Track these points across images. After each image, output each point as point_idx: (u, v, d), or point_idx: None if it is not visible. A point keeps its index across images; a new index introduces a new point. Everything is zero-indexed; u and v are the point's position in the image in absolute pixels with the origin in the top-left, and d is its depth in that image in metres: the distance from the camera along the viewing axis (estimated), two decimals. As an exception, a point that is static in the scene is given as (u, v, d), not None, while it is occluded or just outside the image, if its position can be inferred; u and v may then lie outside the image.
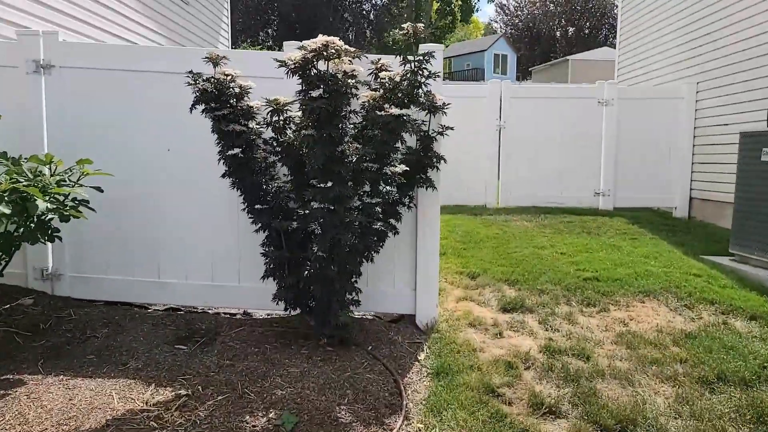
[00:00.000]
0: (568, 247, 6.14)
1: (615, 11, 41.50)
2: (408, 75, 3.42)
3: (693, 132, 8.80)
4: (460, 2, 36.19)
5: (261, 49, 30.95)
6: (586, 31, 42.87)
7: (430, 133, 3.77)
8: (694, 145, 8.80)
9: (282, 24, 31.26)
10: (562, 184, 8.95)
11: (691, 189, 8.86)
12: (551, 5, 43.70)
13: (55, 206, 3.41)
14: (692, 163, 8.85)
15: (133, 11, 7.86)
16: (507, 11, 47.69)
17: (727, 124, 7.98)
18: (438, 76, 3.52)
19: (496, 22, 51.20)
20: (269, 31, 32.28)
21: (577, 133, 8.90)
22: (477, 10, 37.72)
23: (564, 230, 7.10)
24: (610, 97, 8.79)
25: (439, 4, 35.85)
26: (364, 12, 33.28)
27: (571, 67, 33.47)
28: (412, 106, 3.46)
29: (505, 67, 41.05)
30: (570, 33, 42.96)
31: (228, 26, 11.95)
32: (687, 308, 4.43)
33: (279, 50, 4.04)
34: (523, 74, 42.08)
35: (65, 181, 3.50)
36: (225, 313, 4.35)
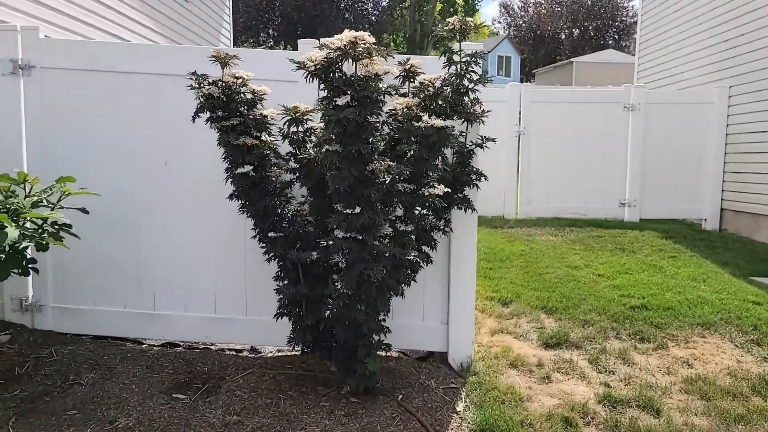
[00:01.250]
0: (604, 267, 5.61)
1: (624, 13, 41.07)
2: (452, 79, 2.88)
3: (725, 139, 8.27)
4: (463, 2, 35.59)
5: (264, 49, 30.43)
6: (592, 33, 42.36)
7: (468, 146, 3.25)
8: (726, 153, 8.27)
9: (283, 24, 30.72)
10: (585, 193, 8.42)
11: (722, 200, 8.33)
12: (557, 6, 43.18)
13: (30, 233, 2.88)
14: (723, 172, 8.31)
15: (132, 9, 7.33)
16: (511, 12, 47.15)
17: (764, 131, 7.46)
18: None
19: (500, 22, 50.61)
20: (270, 31, 31.71)
21: (600, 139, 8.38)
22: (477, 9, 37.01)
23: (595, 246, 6.57)
24: (637, 101, 8.27)
25: (442, 5, 35.29)
26: (366, 12, 32.70)
27: (576, 70, 32.96)
28: (454, 117, 2.92)
29: (508, 69, 40.53)
30: (575, 35, 42.46)
31: (230, 26, 11.42)
32: (755, 344, 3.90)
33: (283, 50, 3.50)
34: (526, 76, 41.53)
35: (43, 203, 2.97)
36: (230, 350, 3.80)
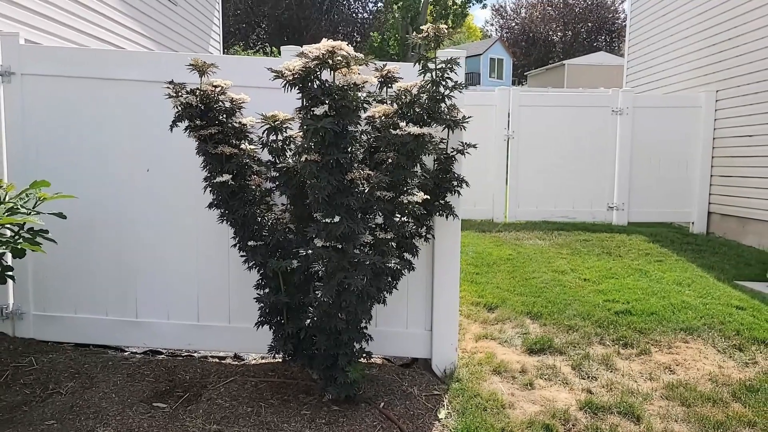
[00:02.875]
0: (591, 271, 5.62)
1: (616, 16, 41.28)
2: (428, 86, 2.88)
3: (712, 143, 8.32)
4: (455, 6, 35.66)
5: (255, 53, 30.23)
6: (584, 35, 42.55)
7: (449, 152, 3.25)
8: (713, 157, 8.32)
9: (272, 26, 30.57)
10: (574, 197, 8.45)
11: (709, 203, 8.38)
12: (549, 9, 43.34)
13: (6, 240, 2.86)
14: (711, 176, 8.37)
15: (120, 13, 7.30)
16: (504, 14, 47.30)
17: (751, 136, 7.51)
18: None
19: (492, 24, 50.79)
20: (260, 33, 31.56)
21: (589, 143, 8.42)
22: (468, 13, 36.93)
23: (582, 250, 6.58)
24: (625, 105, 8.31)
25: (433, 7, 35.30)
26: (354, 15, 32.51)
27: (567, 72, 33.07)
28: (433, 123, 2.92)
29: (501, 71, 40.61)
30: (567, 37, 42.61)
31: (219, 29, 11.40)
32: (737, 350, 3.92)
33: (273, 56, 3.48)
34: (518, 79, 41.65)
35: (18, 209, 2.94)
36: (213, 357, 3.79)
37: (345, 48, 2.47)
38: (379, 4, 35.77)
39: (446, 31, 2.91)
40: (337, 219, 2.60)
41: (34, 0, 5.55)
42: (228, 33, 26.45)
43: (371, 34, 34.28)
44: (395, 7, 34.69)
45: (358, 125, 2.71)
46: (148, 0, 8.15)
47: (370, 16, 33.77)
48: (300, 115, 2.59)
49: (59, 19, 6.01)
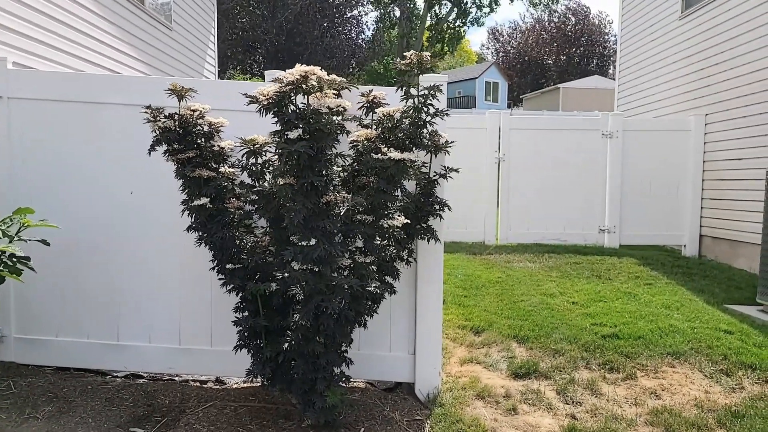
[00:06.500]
0: (579, 295, 5.60)
1: (605, 41, 41.88)
2: (410, 112, 2.90)
3: (702, 166, 8.37)
4: (450, 31, 36.17)
5: (251, 77, 30.51)
6: (577, 59, 43.10)
7: (431, 177, 3.26)
8: (703, 180, 8.36)
9: (270, 50, 30.81)
10: (565, 219, 8.46)
11: (700, 226, 8.39)
12: (544, 33, 43.97)
13: (-15, 266, 2.85)
14: (702, 199, 8.39)
15: (111, 36, 7.38)
16: (500, 38, 47.97)
17: (740, 159, 7.56)
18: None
19: (488, 48, 51.45)
20: (257, 57, 31.81)
21: (580, 166, 8.45)
22: (463, 36, 37.55)
23: (572, 273, 6.57)
24: (615, 129, 8.37)
25: (429, 33, 35.82)
26: (349, 40, 32.72)
27: (562, 95, 33.38)
28: (414, 149, 2.94)
29: (496, 94, 40.95)
30: (562, 60, 43.14)
31: (215, 53, 11.52)
32: (724, 375, 3.88)
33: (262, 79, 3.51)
34: (514, 102, 42.01)
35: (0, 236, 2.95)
36: (194, 381, 3.75)
37: (318, 72, 2.50)
38: (376, 27, 36.25)
39: (429, 58, 2.93)
40: (313, 242, 2.60)
41: (25, 24, 5.61)
42: (225, 57, 26.71)
43: (372, 63, 34.63)
44: (391, 32, 35.18)
45: (335, 148, 2.72)
46: (142, 25, 8.25)
47: (366, 43, 34.12)
48: (275, 139, 2.61)
49: (51, 43, 6.06)
